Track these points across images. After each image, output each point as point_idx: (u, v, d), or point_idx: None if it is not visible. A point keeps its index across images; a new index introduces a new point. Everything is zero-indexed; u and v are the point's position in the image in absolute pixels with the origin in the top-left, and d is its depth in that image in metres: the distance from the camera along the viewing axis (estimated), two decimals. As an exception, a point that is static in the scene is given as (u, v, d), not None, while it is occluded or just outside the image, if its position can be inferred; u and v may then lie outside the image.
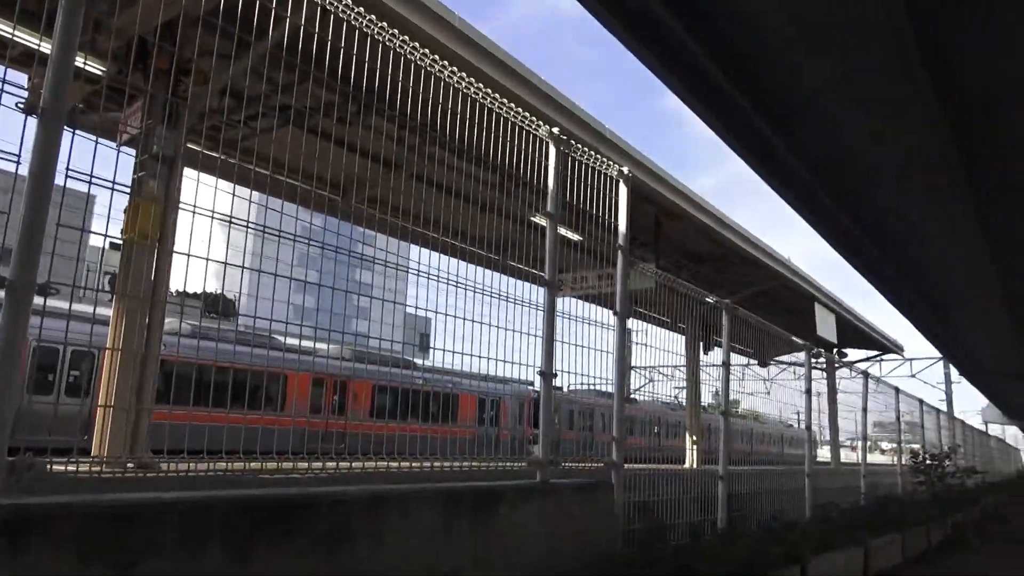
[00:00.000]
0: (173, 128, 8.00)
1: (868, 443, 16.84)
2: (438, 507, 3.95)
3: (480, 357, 4.66)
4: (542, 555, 4.60)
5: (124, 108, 6.83)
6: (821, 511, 9.78)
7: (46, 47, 2.70)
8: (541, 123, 5.22)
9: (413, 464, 4.33)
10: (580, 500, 5.11)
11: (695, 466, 13.58)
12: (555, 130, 5.22)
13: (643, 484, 6.32)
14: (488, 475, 4.59)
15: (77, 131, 3.12)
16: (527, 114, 5.10)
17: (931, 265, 12.60)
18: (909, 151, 7.78)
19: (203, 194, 4.47)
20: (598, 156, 5.73)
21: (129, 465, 5.13)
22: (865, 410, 13.43)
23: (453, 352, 4.68)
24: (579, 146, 5.54)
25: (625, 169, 5.91)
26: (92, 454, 4.00)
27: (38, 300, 2.91)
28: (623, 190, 5.88)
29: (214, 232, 4.14)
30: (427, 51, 4.44)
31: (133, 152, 7.82)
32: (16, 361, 2.46)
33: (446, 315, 4.64)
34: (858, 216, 9.64)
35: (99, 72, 6.09)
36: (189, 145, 8.13)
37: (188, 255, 3.47)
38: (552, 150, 5.24)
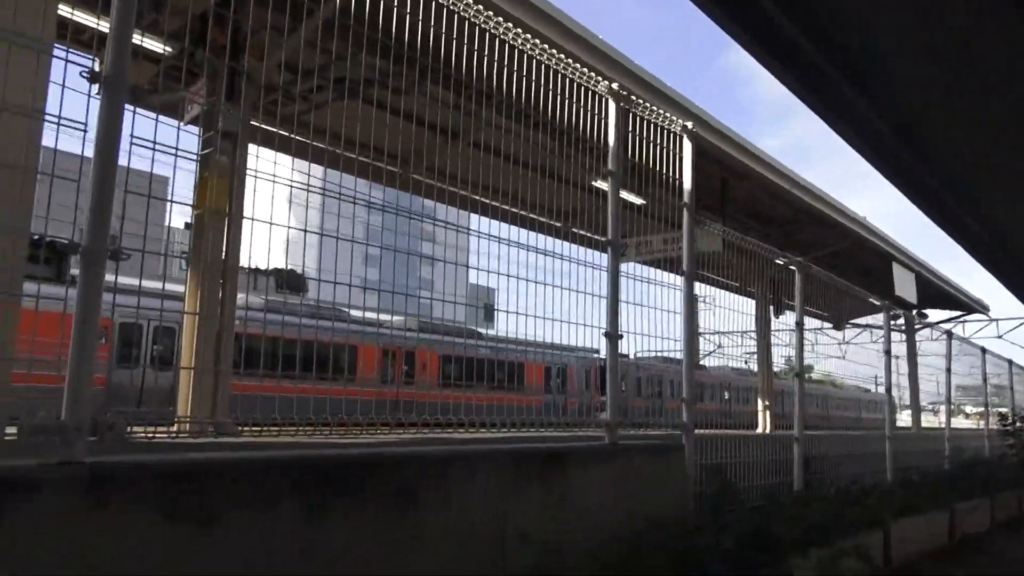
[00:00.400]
0: (235, 104, 8.15)
1: (954, 407, 16.15)
2: (506, 467, 3.94)
3: (543, 319, 4.60)
4: (611, 516, 4.56)
5: (185, 84, 6.97)
6: (903, 475, 9.44)
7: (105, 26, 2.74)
8: (600, 79, 5.07)
9: (481, 429, 4.34)
10: (650, 462, 5.03)
11: (768, 431, 13.30)
12: (615, 85, 5.07)
13: (715, 447, 6.20)
14: (556, 439, 4.57)
15: (144, 110, 3.20)
16: (585, 70, 4.96)
17: (1013, 219, 11.87)
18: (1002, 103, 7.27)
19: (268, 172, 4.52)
20: (660, 112, 5.55)
21: (210, 430, 5.34)
22: (949, 371, 12.84)
23: (517, 313, 4.63)
24: (640, 101, 5.37)
25: (689, 124, 5.70)
26: (177, 415, 4.14)
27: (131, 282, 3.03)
28: (687, 146, 5.68)
29: (280, 212, 4.22)
30: (480, 7, 4.35)
31: (198, 130, 8.02)
32: (94, 325, 2.53)
33: (508, 276, 4.59)
34: (942, 172, 9.12)
35: (161, 52, 6.24)
36: (252, 123, 8.28)
37: (253, 219, 3.51)
38: (612, 106, 5.09)
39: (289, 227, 3.99)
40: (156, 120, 3.20)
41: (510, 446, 4.09)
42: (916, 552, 6.95)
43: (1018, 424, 13.98)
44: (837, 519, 5.75)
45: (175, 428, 4.63)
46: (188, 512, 2.65)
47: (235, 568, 2.76)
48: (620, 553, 4.36)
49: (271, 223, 3.57)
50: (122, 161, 2.62)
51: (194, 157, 3.46)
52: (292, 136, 6.54)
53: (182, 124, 7.00)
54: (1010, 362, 16.81)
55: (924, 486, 8.73)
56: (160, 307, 3.92)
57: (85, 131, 2.58)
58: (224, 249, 7.99)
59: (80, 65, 2.81)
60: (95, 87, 2.67)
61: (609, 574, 4.14)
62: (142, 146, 2.80)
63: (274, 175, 3.83)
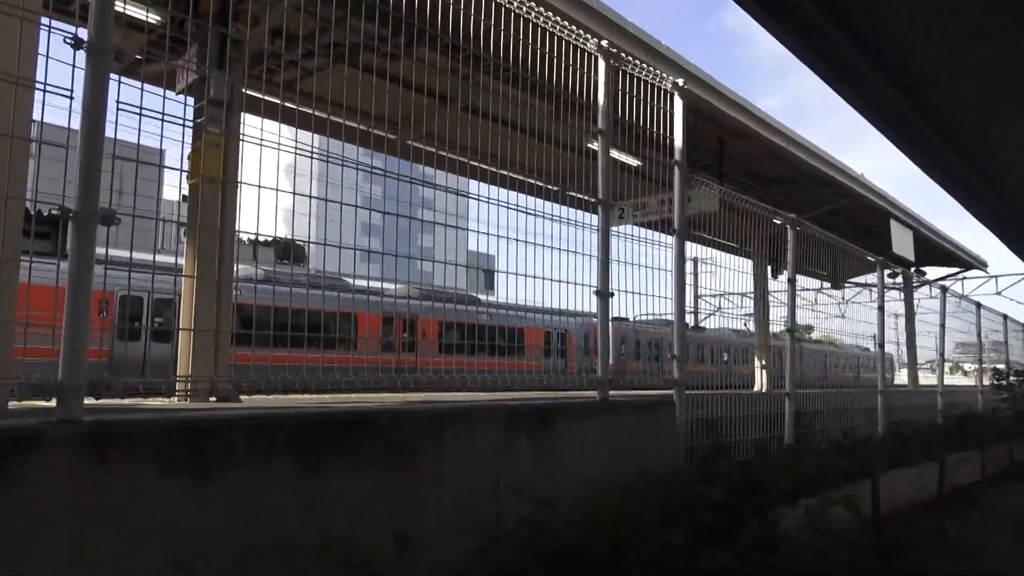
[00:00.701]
0: (228, 72, 8.11)
1: (951, 365, 16.25)
2: (499, 423, 4.04)
3: (541, 279, 4.66)
4: (603, 470, 4.67)
5: (167, 54, 6.93)
6: (894, 428, 9.59)
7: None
8: (590, 37, 5.05)
9: (480, 393, 4.43)
10: (640, 417, 5.14)
11: (764, 390, 13.44)
12: (604, 43, 5.05)
13: (709, 403, 6.31)
14: (550, 391, 4.65)
15: (135, 81, 3.22)
16: (574, 28, 4.94)
17: (1013, 168, 11.83)
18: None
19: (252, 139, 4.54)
20: (650, 69, 5.53)
21: (211, 399, 5.43)
22: (943, 326, 12.94)
23: (515, 274, 4.68)
24: (630, 59, 5.36)
25: (680, 81, 5.69)
26: (177, 372, 4.22)
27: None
28: (678, 103, 5.68)
29: (279, 181, 4.24)
30: (466, -33, 4.33)
31: (191, 100, 7.99)
32: (88, 288, 2.60)
33: (507, 239, 4.64)
34: (940, 123, 9.07)
35: (150, 21, 6.20)
36: (247, 91, 8.24)
37: (257, 185, 3.54)
38: (602, 64, 5.08)
39: (280, 191, 4.01)
40: (142, 89, 3.22)
41: (504, 401, 4.19)
42: (906, 503, 7.11)
43: (1012, 379, 14.12)
44: (827, 471, 5.88)
45: (175, 397, 4.74)
46: (185, 467, 2.75)
47: (231, 522, 2.87)
48: (611, 505, 4.48)
49: (261, 187, 3.59)
50: (116, 133, 2.66)
51: (187, 124, 3.47)
52: (284, 104, 6.54)
53: (175, 93, 7.00)
54: (1005, 317, 16.91)
55: (915, 439, 8.88)
56: (158, 279, 3.96)
57: (71, 97, 2.61)
58: (220, 218, 8.01)
59: (66, 33, 2.84)
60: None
61: (601, 525, 4.26)
62: (127, 111, 2.83)
63: (262, 140, 3.83)
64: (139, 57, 7.91)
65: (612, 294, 5.01)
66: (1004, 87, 8.08)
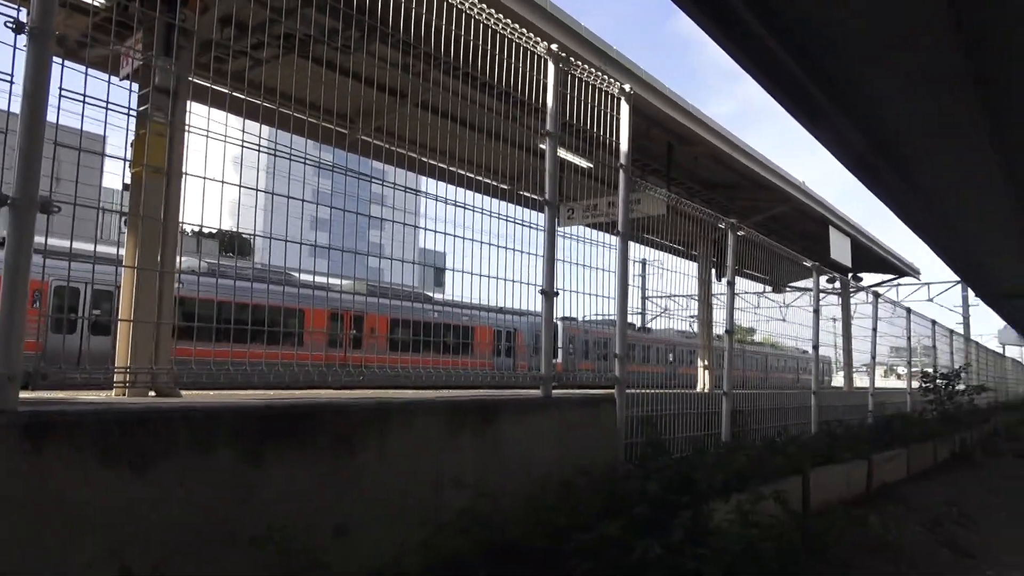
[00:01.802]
0: (176, 60, 7.94)
1: (886, 368, 16.90)
2: (442, 417, 4.10)
3: (491, 278, 4.73)
4: (544, 464, 4.78)
5: (121, 38, 6.77)
6: (826, 427, 9.97)
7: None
8: (540, 40, 5.15)
9: (427, 390, 4.47)
10: (582, 414, 5.27)
11: (706, 390, 13.79)
12: (554, 47, 5.16)
13: (648, 401, 6.48)
14: (496, 388, 4.72)
15: (80, 65, 3.17)
16: (524, 30, 5.03)
17: (947, 191, 12.42)
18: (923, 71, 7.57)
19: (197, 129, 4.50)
20: (599, 74, 5.67)
21: (151, 394, 5.34)
22: (875, 331, 13.48)
23: (463, 272, 4.74)
24: (579, 63, 5.48)
25: (627, 87, 5.84)
26: (116, 365, 4.16)
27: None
28: (624, 108, 5.83)
29: (225, 172, 4.20)
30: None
31: (137, 87, 7.80)
32: (25, 276, 2.57)
33: (455, 237, 4.69)
34: (870, 134, 9.46)
35: (95, 4, 6.05)
36: (194, 80, 8.07)
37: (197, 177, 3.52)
38: (551, 68, 5.18)
39: (227, 183, 3.99)
40: (86, 74, 3.18)
41: (448, 396, 4.25)
42: (835, 499, 7.41)
43: (938, 381, 14.78)
44: (759, 467, 6.10)
45: (113, 391, 4.64)
46: (124, 458, 2.74)
47: (172, 511, 2.87)
48: (552, 498, 4.60)
49: (207, 178, 3.58)
50: (58, 118, 2.63)
51: (131, 113, 3.43)
52: (232, 94, 6.44)
53: (119, 79, 6.84)
54: (933, 322, 17.69)
55: (846, 438, 9.25)
56: (98, 270, 3.88)
57: (12, 82, 2.58)
58: (163, 208, 7.84)
59: (7, 15, 2.80)
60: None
61: (541, 518, 4.37)
62: (71, 98, 2.80)
63: (208, 131, 3.81)
64: (82, 40, 7.70)
65: (556, 293, 5.12)
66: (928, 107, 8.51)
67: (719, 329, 10.66)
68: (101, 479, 2.67)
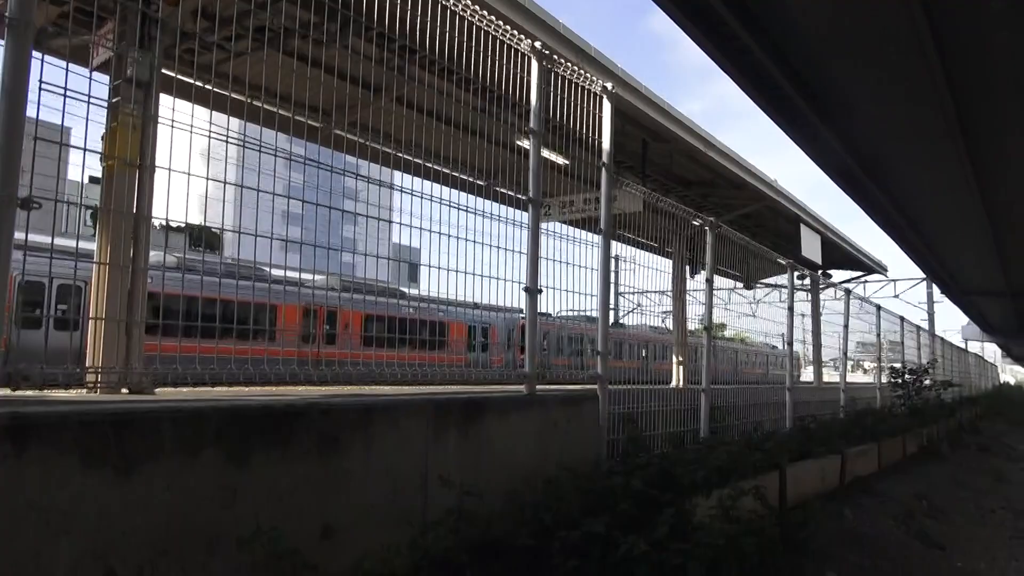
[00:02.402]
0: (147, 51, 7.76)
1: (853, 363, 17.20)
2: (427, 416, 4.08)
3: (465, 273, 4.70)
4: (529, 462, 4.78)
5: (93, 27, 6.61)
6: (800, 423, 10.11)
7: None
8: (524, 37, 5.13)
9: (404, 385, 4.43)
10: (566, 411, 5.27)
11: (681, 385, 13.90)
12: (537, 44, 5.14)
13: (628, 398, 6.52)
14: (478, 384, 4.70)
15: (48, 55, 3.07)
16: (508, 27, 5.01)
17: (919, 195, 12.67)
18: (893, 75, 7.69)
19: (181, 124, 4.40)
20: (582, 72, 5.66)
21: (124, 391, 5.23)
22: (846, 327, 13.70)
23: (439, 268, 4.70)
24: (563, 61, 5.47)
25: (609, 85, 5.85)
26: (87, 365, 4.06)
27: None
28: (607, 106, 5.83)
29: (195, 166, 4.10)
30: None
31: (107, 78, 7.61)
32: (4, 273, 2.50)
33: (431, 233, 4.65)
34: (846, 141, 9.62)
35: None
36: (165, 71, 7.90)
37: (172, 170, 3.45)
38: (534, 65, 5.17)
39: (195, 176, 3.91)
40: (67, 68, 3.09)
41: (432, 395, 4.23)
42: (810, 492, 7.53)
43: (906, 377, 15.08)
44: (738, 463, 6.16)
45: (84, 389, 4.54)
46: (107, 460, 2.68)
47: (157, 514, 2.81)
48: (536, 495, 4.60)
49: (172, 170, 3.50)
50: (38, 113, 2.56)
51: (98, 103, 3.34)
52: (204, 86, 6.31)
53: (88, 70, 6.68)
54: (902, 318, 18.04)
55: (819, 433, 9.40)
56: (64, 264, 3.77)
57: (-11, 73, 2.49)
58: (135, 202, 7.67)
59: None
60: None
61: (526, 514, 4.37)
62: (50, 91, 2.72)
63: (173, 122, 3.73)
64: (52, 29, 7.50)
65: (541, 291, 5.11)
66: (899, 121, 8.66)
67: (692, 325, 10.77)
68: (84, 482, 2.60)
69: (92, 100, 3.22)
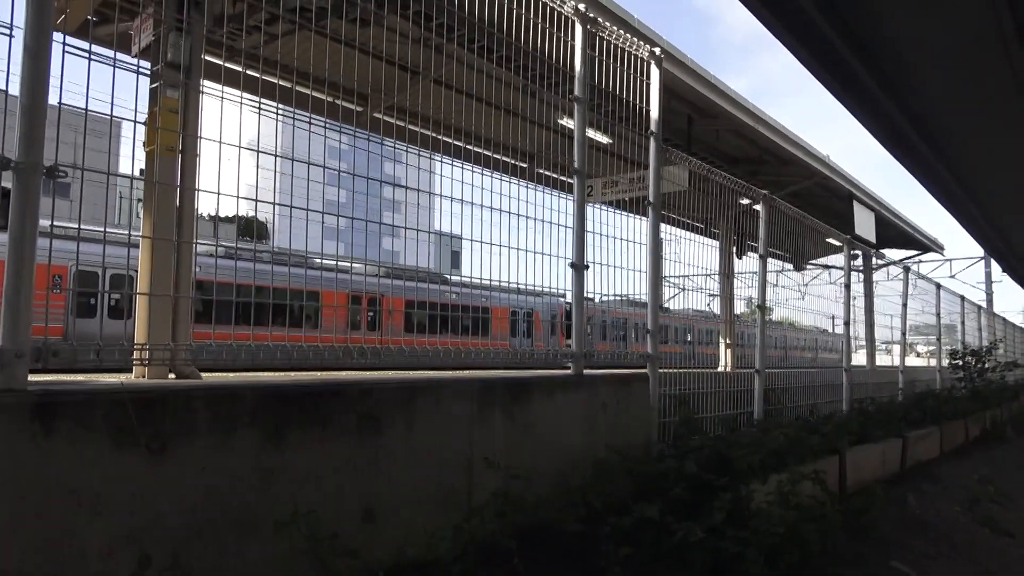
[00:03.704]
0: (187, 34, 7.73)
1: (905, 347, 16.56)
2: (471, 397, 3.92)
3: (510, 248, 4.50)
4: (577, 444, 4.60)
5: (131, 14, 6.58)
6: (859, 405, 9.73)
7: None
8: (566, 1, 4.89)
9: (457, 345, 4.27)
10: (615, 392, 5.06)
11: (728, 369, 13.54)
12: (581, 6, 4.89)
13: (679, 381, 6.28)
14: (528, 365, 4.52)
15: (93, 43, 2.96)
16: (549, -8, 4.77)
17: (981, 165, 12.03)
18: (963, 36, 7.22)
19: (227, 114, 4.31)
20: (628, 37, 5.40)
21: (171, 376, 5.20)
22: (905, 306, 13.16)
23: (483, 243, 4.51)
24: (607, 25, 5.21)
25: (657, 50, 5.57)
26: (136, 342, 3.99)
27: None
28: (655, 73, 5.56)
29: (241, 154, 4.00)
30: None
31: (148, 64, 7.60)
32: (32, 246, 2.40)
33: (472, 216, 4.45)
34: (906, 108, 9.11)
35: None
36: (206, 57, 7.87)
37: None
38: (579, 29, 4.92)
39: (245, 154, 3.79)
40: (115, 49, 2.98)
41: (477, 374, 4.07)
42: (870, 478, 7.20)
43: (967, 358, 14.46)
44: (795, 446, 5.90)
45: (133, 375, 4.50)
46: (141, 440, 2.58)
47: (192, 496, 2.71)
48: (585, 479, 4.42)
49: (232, 143, 3.39)
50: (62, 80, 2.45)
51: (142, 72, 3.24)
52: (246, 72, 6.21)
53: (131, 56, 6.64)
54: (962, 298, 17.30)
55: (878, 416, 9.01)
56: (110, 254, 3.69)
57: (11, 35, 2.39)
58: (179, 190, 7.68)
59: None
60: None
61: (574, 497, 4.19)
62: (76, 54, 2.61)
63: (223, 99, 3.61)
64: (92, 18, 7.52)
65: (587, 267, 4.89)
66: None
67: (740, 307, 10.43)
68: (116, 462, 2.51)
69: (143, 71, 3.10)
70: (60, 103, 2.50)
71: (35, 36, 2.36)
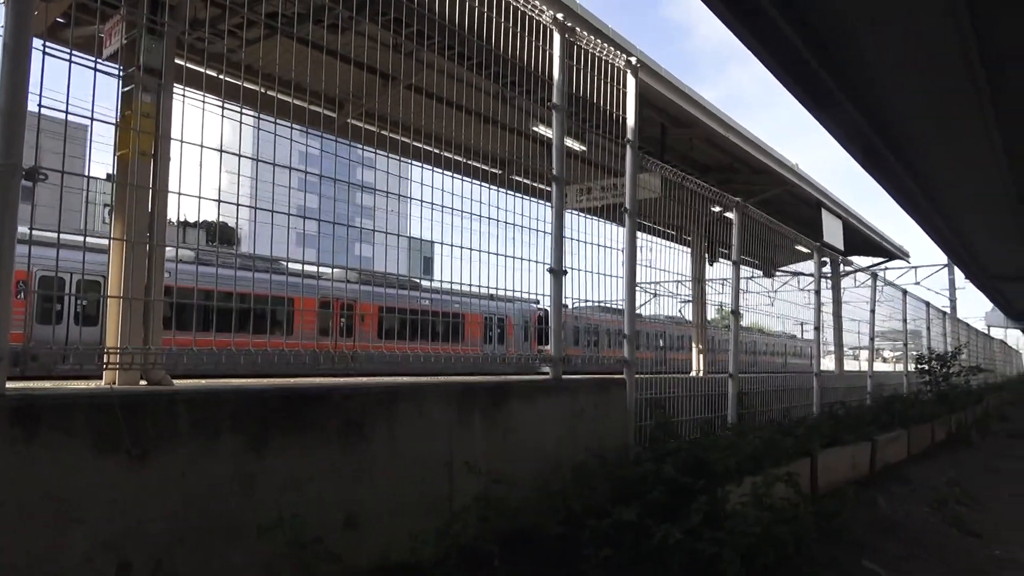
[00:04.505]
0: (158, 37, 7.65)
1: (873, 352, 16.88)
2: (452, 401, 3.93)
3: (487, 253, 4.52)
4: (556, 449, 4.63)
5: (102, 17, 6.50)
6: (829, 409, 9.90)
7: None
8: (545, 8, 4.94)
9: (431, 351, 4.27)
10: (593, 397, 5.11)
11: (701, 374, 13.69)
12: (559, 16, 4.95)
13: (655, 385, 6.34)
14: (502, 371, 4.55)
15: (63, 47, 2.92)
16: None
17: (947, 176, 12.34)
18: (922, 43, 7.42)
19: (194, 118, 4.25)
20: (604, 46, 5.47)
21: (142, 383, 5.12)
22: (873, 312, 13.43)
23: (452, 247, 4.51)
24: (584, 34, 5.27)
25: (633, 59, 5.65)
26: (106, 346, 3.93)
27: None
28: (631, 82, 5.64)
29: (210, 158, 3.95)
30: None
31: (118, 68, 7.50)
32: (11, 245, 2.37)
33: (444, 209, 4.46)
34: (871, 115, 9.33)
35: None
36: (176, 61, 7.79)
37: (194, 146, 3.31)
38: (556, 38, 4.98)
39: (232, 153, 3.77)
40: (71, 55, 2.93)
41: (457, 379, 4.08)
42: (841, 480, 7.33)
43: (933, 363, 14.79)
44: (768, 449, 5.99)
45: (103, 380, 4.43)
46: (121, 445, 2.55)
47: (173, 502, 2.69)
48: (564, 482, 4.45)
49: (216, 147, 3.36)
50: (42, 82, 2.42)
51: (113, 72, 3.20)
52: (219, 76, 6.17)
53: (102, 59, 6.56)
54: (928, 304, 17.69)
55: (848, 420, 9.18)
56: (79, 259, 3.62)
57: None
58: (151, 194, 7.59)
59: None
60: None
61: (554, 501, 4.22)
62: (55, 56, 2.58)
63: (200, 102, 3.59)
64: (61, 21, 7.41)
65: (566, 272, 4.94)
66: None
67: (711, 312, 10.55)
68: (97, 468, 2.48)
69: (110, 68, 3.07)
70: (40, 106, 2.47)
71: (15, 38, 2.34)
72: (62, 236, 2.92)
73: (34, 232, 2.63)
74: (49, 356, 2.52)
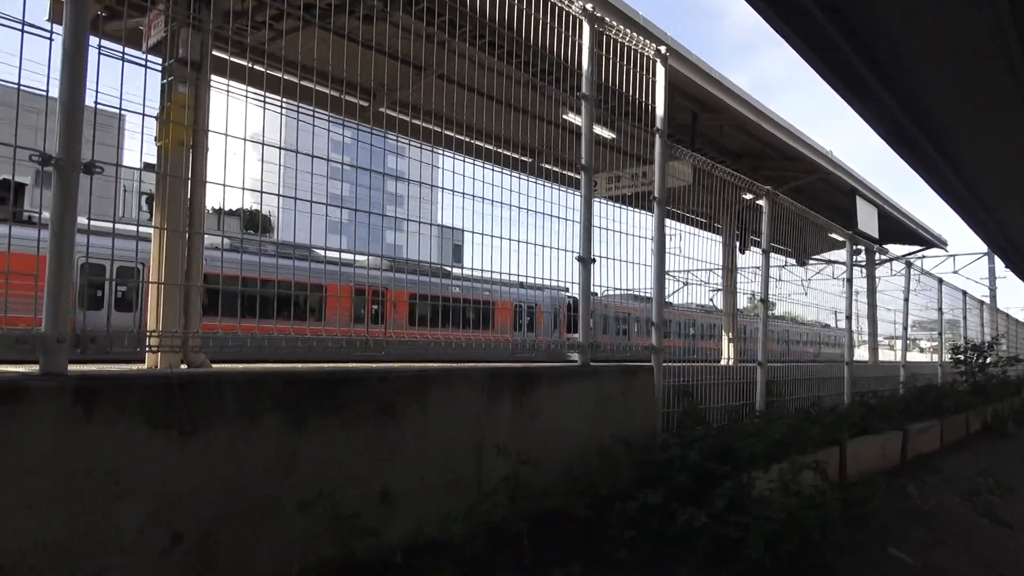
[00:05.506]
0: (197, 31, 7.84)
1: (909, 342, 16.69)
2: (483, 385, 4.05)
3: (516, 241, 4.60)
4: (583, 433, 4.73)
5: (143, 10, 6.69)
6: (860, 398, 9.84)
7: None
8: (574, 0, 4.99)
9: (461, 338, 4.38)
10: (620, 383, 5.19)
11: (731, 363, 13.64)
12: (588, 6, 5.00)
13: (682, 372, 6.40)
14: (531, 358, 4.65)
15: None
16: (556, -9, 4.88)
17: (986, 164, 12.09)
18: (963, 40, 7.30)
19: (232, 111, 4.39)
20: (634, 35, 5.51)
21: (183, 366, 5.33)
22: (907, 301, 13.25)
23: (483, 235, 4.60)
24: (614, 24, 5.32)
25: (662, 48, 5.67)
26: (148, 329, 4.12)
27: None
28: (660, 71, 5.67)
29: (247, 148, 4.10)
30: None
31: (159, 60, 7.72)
32: (72, 236, 2.52)
33: (480, 199, 4.56)
34: (909, 106, 9.18)
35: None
36: (215, 53, 7.98)
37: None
38: (586, 28, 5.03)
39: (252, 147, 3.92)
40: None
41: (487, 364, 4.19)
42: (871, 469, 7.31)
43: (969, 353, 14.55)
44: (796, 437, 6.01)
45: (145, 364, 4.63)
46: (172, 423, 2.71)
47: (220, 477, 2.84)
48: (591, 466, 4.55)
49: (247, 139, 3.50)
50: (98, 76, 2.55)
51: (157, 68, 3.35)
52: (253, 66, 6.32)
53: (141, 52, 6.76)
54: (964, 292, 17.37)
55: (879, 409, 9.12)
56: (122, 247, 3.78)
57: (51, 39, 2.51)
58: (189, 183, 7.81)
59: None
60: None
61: (580, 484, 4.32)
62: (107, 55, 2.73)
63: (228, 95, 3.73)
64: (104, 14, 7.63)
65: (594, 260, 5.01)
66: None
67: (743, 301, 10.51)
68: (150, 444, 2.64)
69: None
70: (96, 103, 2.62)
71: (73, 39, 2.48)
72: (94, 223, 3.07)
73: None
74: (105, 339, 2.67)
